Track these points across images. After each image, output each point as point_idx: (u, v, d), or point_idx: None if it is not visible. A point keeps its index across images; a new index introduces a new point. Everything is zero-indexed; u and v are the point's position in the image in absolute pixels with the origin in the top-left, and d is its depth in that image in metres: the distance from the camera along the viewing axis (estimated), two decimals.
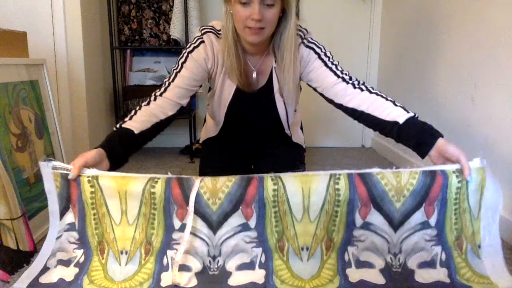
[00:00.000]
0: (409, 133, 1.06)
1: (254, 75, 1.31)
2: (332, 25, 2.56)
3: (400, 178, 0.95)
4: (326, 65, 1.24)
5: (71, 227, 0.98)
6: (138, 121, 1.11)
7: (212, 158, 1.52)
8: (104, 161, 1.01)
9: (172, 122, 1.22)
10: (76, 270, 0.95)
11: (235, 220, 0.94)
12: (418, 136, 1.04)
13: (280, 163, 1.47)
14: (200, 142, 1.63)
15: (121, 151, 1.06)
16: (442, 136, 1.02)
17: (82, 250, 0.97)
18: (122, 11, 2.37)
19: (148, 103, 1.18)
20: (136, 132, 1.09)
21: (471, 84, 1.49)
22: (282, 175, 0.97)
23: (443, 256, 0.95)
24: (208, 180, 0.95)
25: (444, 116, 1.70)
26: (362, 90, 1.18)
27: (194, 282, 0.92)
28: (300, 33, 1.25)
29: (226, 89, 1.31)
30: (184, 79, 1.23)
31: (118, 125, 1.10)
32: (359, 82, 1.20)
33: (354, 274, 0.93)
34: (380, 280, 0.93)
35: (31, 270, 0.96)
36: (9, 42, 1.31)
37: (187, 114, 2.27)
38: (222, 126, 1.44)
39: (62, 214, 0.98)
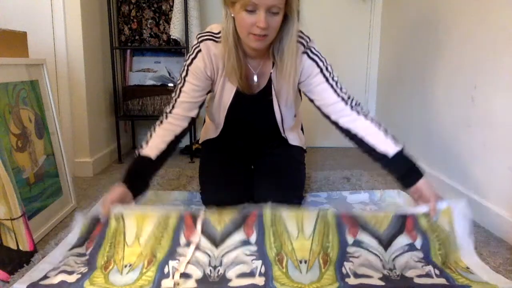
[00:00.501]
0: (396, 167, 1.19)
1: (255, 78, 1.30)
2: (332, 25, 2.56)
3: (376, 217, 1.10)
4: (327, 81, 1.26)
5: (80, 255, 1.05)
6: (154, 146, 1.21)
7: (212, 158, 1.52)
8: (128, 195, 1.15)
9: (187, 133, 1.31)
10: (79, 276, 0.97)
11: (237, 236, 1.04)
12: (403, 173, 1.18)
13: (280, 163, 1.47)
14: (200, 142, 1.63)
15: (141, 182, 1.21)
16: (423, 175, 1.16)
17: (87, 267, 1.01)
18: (122, 11, 2.37)
19: (162, 122, 1.27)
20: (153, 158, 1.20)
21: (471, 84, 1.49)
22: (278, 211, 1.11)
23: (437, 272, 0.99)
24: (214, 211, 1.09)
25: (444, 116, 1.70)
26: (358, 113, 1.24)
27: (194, 284, 0.94)
28: (303, 41, 1.24)
29: (226, 93, 1.31)
30: (188, 93, 1.27)
31: (136, 153, 1.22)
32: (356, 103, 1.26)
33: (353, 281, 0.95)
34: (379, 283, 0.95)
35: (31, 274, 0.98)
36: (9, 42, 1.31)
37: None
38: (222, 128, 1.44)
39: (74, 246, 1.08)
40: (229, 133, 1.46)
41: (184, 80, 1.26)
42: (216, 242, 1.02)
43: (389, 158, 1.18)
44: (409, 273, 0.99)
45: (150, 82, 2.45)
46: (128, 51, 2.50)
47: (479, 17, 1.45)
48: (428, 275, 0.98)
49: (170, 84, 2.38)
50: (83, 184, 1.83)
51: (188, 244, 1.02)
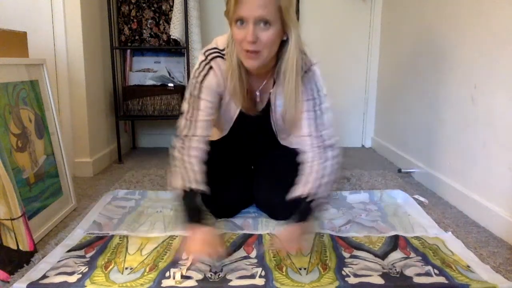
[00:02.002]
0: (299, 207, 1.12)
1: (258, 94, 1.30)
2: (332, 25, 2.56)
3: (370, 239, 1.19)
4: (309, 112, 1.20)
5: (79, 257, 1.08)
6: (202, 180, 1.16)
7: (212, 159, 1.52)
8: (213, 232, 1.07)
9: None
10: (79, 276, 0.98)
11: (238, 254, 1.11)
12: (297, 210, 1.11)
13: (280, 163, 1.47)
14: None
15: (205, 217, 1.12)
16: (307, 223, 1.09)
17: (87, 267, 1.03)
18: (122, 11, 2.37)
19: (189, 149, 1.18)
20: (207, 192, 1.15)
21: (471, 84, 1.49)
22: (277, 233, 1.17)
23: (436, 271, 1.01)
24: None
25: (444, 116, 1.70)
26: (314, 156, 1.18)
27: (195, 284, 0.96)
28: (304, 64, 1.19)
29: (232, 109, 1.31)
30: (205, 111, 1.21)
31: (191, 190, 1.12)
32: (324, 146, 1.18)
33: (354, 280, 0.97)
34: (379, 281, 0.96)
35: (30, 274, 0.99)
36: (9, 42, 1.31)
37: None
38: (225, 134, 1.45)
39: (72, 249, 1.13)
40: (231, 137, 1.47)
41: (199, 98, 1.21)
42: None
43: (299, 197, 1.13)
44: (408, 271, 1.00)
45: (150, 82, 2.45)
46: (128, 51, 2.50)
47: (479, 17, 1.45)
48: (427, 273, 0.99)
49: (170, 84, 2.38)
50: (83, 184, 1.83)
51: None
